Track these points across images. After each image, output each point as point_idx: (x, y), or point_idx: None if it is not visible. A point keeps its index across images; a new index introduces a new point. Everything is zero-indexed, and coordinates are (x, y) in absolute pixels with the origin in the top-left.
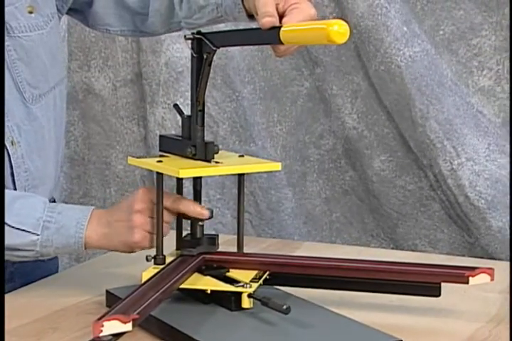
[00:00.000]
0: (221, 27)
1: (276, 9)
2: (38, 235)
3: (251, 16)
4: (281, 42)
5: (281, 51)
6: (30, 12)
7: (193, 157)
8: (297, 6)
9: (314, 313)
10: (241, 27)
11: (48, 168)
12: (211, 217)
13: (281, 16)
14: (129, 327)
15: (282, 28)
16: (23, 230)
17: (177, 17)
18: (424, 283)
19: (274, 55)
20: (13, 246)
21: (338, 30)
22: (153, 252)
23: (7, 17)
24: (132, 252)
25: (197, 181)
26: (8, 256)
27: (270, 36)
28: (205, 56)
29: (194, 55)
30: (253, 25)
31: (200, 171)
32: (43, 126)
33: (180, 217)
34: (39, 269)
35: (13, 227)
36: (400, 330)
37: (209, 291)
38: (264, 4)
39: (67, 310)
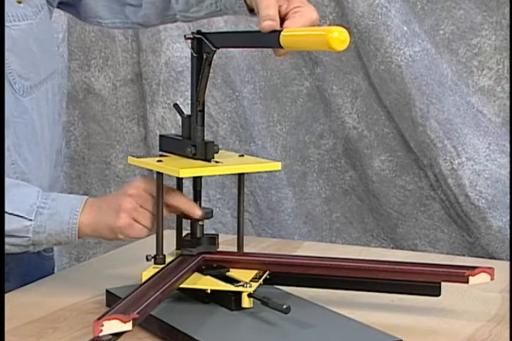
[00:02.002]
0: (221, 27)
1: (279, 11)
2: (31, 220)
3: (252, 10)
4: (280, 46)
5: (282, 53)
6: (19, 2)
7: (193, 157)
8: (300, 9)
9: (314, 313)
10: (241, 27)
11: (40, 163)
12: (211, 216)
13: (283, 19)
14: (128, 326)
15: (282, 33)
16: (17, 215)
17: (173, 10)
18: (424, 283)
19: (274, 54)
20: (6, 232)
21: (338, 37)
22: (153, 252)
23: None
24: (117, 239)
25: (197, 181)
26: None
27: (270, 40)
28: (205, 56)
29: (194, 54)
30: (253, 19)
31: (200, 171)
32: (34, 120)
33: (181, 216)
34: (35, 270)
35: (6, 213)
36: (400, 330)
37: (209, 291)
38: (266, 6)
39: (67, 310)
